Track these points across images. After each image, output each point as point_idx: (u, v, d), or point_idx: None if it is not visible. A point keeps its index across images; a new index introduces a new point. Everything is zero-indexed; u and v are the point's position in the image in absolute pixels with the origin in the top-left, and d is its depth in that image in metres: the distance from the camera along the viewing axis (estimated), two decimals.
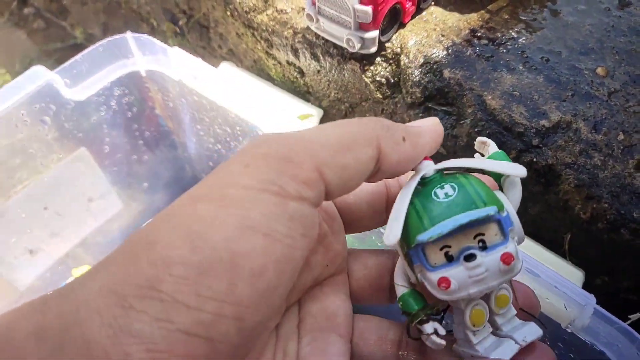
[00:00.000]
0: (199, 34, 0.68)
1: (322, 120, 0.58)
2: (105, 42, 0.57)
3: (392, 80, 0.50)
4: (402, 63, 0.49)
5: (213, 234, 0.17)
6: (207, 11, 0.64)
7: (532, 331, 0.22)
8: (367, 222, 0.26)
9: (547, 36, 0.49)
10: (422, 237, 0.21)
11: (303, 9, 0.53)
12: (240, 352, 0.18)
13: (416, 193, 0.22)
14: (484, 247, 0.21)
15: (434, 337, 0.22)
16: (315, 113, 0.58)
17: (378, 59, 0.50)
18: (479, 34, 0.49)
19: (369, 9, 0.44)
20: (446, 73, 0.47)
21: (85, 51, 0.56)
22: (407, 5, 0.48)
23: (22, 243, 0.62)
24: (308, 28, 0.51)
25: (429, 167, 0.23)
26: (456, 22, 0.50)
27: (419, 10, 0.51)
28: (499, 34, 0.49)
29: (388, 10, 0.46)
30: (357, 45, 0.47)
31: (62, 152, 0.60)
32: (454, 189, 0.22)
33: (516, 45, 0.48)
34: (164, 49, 0.56)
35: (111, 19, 0.88)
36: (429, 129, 0.23)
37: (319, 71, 0.54)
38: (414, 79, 0.48)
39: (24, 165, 0.58)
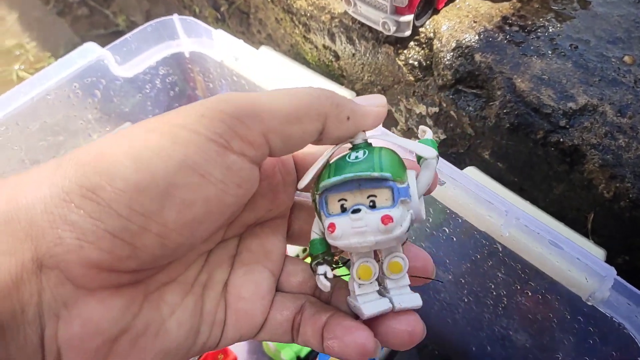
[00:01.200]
0: (239, 20, 0.72)
1: None
2: (153, 23, 0.60)
3: (425, 64, 0.52)
4: (434, 47, 0.51)
5: (157, 162, 0.20)
6: None
7: (412, 300, 0.25)
8: None
9: (577, 25, 0.51)
10: (322, 184, 0.24)
11: None
12: (160, 262, 0.22)
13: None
14: (372, 207, 0.24)
15: (322, 278, 0.25)
16: (349, 96, 0.60)
17: (411, 42, 0.52)
18: (510, 21, 0.51)
19: None
20: (477, 57, 0.49)
21: (135, 30, 0.60)
22: None
23: None
24: (345, 12, 0.54)
25: (360, 137, 0.26)
26: (488, 10, 0.52)
27: None
28: (529, 22, 0.51)
29: None
30: (393, 28, 0.49)
31: (109, 125, 0.64)
32: (364, 154, 0.25)
33: (546, 33, 0.50)
34: (208, 31, 0.59)
35: (154, 6, 0.92)
36: (373, 111, 0.26)
37: (353, 55, 0.57)
38: (446, 62, 0.50)
39: (73, 135, 0.62)
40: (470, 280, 0.54)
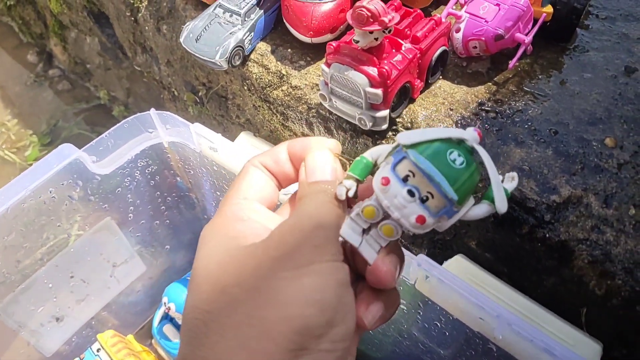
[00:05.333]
0: (217, 104, 0.71)
1: None
2: (130, 119, 0.60)
3: None
4: None
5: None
6: (225, 84, 0.66)
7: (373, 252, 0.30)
8: None
9: (554, 107, 0.51)
10: (416, 151, 0.27)
11: (316, 85, 0.56)
12: None
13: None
14: (422, 200, 0.27)
15: (343, 188, 0.29)
16: None
17: (389, 133, 0.52)
18: (486, 107, 0.51)
19: (379, 91, 0.46)
20: None
21: (112, 129, 0.59)
22: (415, 83, 0.50)
23: (48, 311, 0.64)
24: (321, 104, 0.53)
25: (473, 137, 0.28)
26: (464, 95, 0.52)
27: (427, 85, 0.53)
28: (506, 107, 0.51)
29: (398, 89, 0.48)
30: (369, 124, 0.49)
31: (88, 223, 0.63)
32: (461, 163, 0.27)
33: (524, 118, 0.50)
34: (185, 125, 0.58)
35: (134, 85, 0.92)
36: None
37: None
38: None
39: (52, 237, 0.60)
40: None
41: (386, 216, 0.28)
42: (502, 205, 0.28)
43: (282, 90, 0.58)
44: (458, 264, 0.51)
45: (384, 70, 0.45)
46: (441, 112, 0.51)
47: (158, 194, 0.70)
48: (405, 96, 0.51)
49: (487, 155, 0.28)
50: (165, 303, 0.70)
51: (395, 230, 0.28)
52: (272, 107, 0.60)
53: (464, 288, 0.42)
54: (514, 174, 0.30)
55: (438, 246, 0.54)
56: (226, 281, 0.26)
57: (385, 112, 0.48)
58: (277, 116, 0.60)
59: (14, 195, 0.54)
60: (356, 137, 0.53)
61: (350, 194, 0.29)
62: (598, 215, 0.43)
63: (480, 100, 0.51)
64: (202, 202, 0.74)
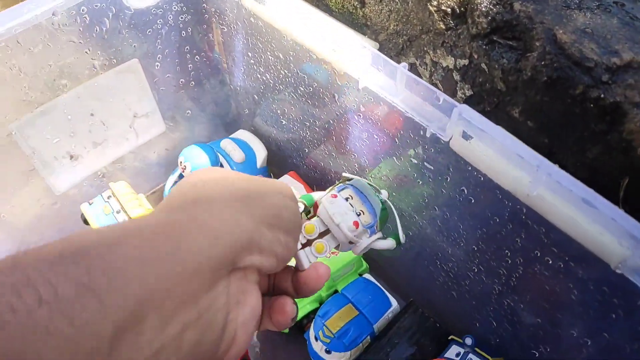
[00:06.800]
0: None
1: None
2: None
3: (458, 11, 0.49)
4: None
5: None
6: None
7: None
8: None
9: None
10: (349, 182, 0.43)
11: None
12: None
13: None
14: (357, 214, 0.40)
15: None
16: (372, 46, 0.57)
17: None
18: None
19: None
20: (517, 5, 0.45)
21: None
22: None
23: (64, 145, 0.63)
24: None
25: (385, 195, 0.44)
26: None
27: None
28: None
29: None
30: None
31: (115, 58, 0.61)
32: (381, 199, 0.42)
33: None
34: None
35: None
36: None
37: (381, 0, 0.54)
38: (482, 9, 0.46)
39: (77, 64, 0.58)
40: (484, 247, 0.51)
41: (320, 235, 0.39)
42: (402, 238, 0.44)
43: None
44: None
45: None
46: None
47: (188, 49, 0.67)
48: None
49: (392, 207, 0.44)
50: (181, 162, 0.69)
51: (325, 247, 0.39)
52: None
53: (502, 137, 0.40)
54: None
55: None
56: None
57: None
58: None
59: (44, 3, 0.52)
60: None
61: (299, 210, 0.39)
62: None
63: None
64: (231, 67, 0.72)
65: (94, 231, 0.22)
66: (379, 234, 0.42)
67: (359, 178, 0.43)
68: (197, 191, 0.27)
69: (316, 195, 0.42)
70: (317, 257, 0.38)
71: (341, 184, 0.42)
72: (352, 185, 0.42)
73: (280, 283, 0.34)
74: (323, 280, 0.34)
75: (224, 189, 0.28)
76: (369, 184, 0.42)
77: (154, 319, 0.20)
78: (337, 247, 0.41)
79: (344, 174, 0.43)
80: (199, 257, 0.23)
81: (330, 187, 0.43)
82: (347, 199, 0.41)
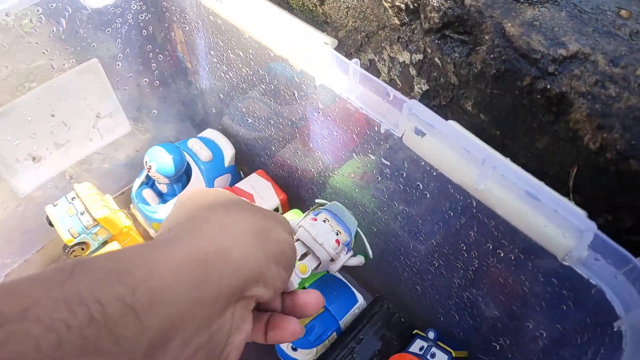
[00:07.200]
0: None
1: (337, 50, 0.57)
2: None
3: (412, 6, 0.49)
4: None
5: None
6: None
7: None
8: None
9: None
10: (325, 207, 0.52)
11: None
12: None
13: None
14: (336, 234, 0.47)
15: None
16: (331, 43, 0.57)
17: None
18: None
19: None
20: (467, 0, 0.46)
21: None
22: None
23: (25, 147, 0.62)
24: None
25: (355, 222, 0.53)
26: None
27: None
28: None
29: None
30: None
31: (74, 59, 0.60)
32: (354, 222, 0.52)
33: None
34: None
35: None
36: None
37: None
38: (434, 4, 0.47)
39: (35, 65, 0.58)
40: (442, 241, 0.51)
41: (302, 257, 0.45)
42: (370, 253, 0.52)
43: None
44: None
45: None
46: None
47: (150, 48, 0.67)
48: None
49: (359, 230, 0.52)
50: (146, 162, 0.69)
51: (308, 268, 0.44)
52: None
53: (451, 133, 0.41)
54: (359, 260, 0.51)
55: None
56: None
57: None
58: None
59: None
60: None
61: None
62: (603, 72, 0.41)
63: None
64: (195, 67, 0.72)
65: (136, 252, 0.24)
66: (352, 252, 0.48)
67: (333, 202, 0.50)
68: (221, 220, 0.30)
69: (291, 222, 0.46)
70: (300, 278, 0.45)
71: (316, 209, 0.49)
72: (325, 209, 0.49)
73: (267, 303, 0.36)
74: (320, 306, 0.37)
75: (243, 220, 0.31)
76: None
77: (178, 340, 0.23)
78: (317, 267, 0.46)
79: (317, 200, 0.50)
80: (221, 285, 0.26)
81: (306, 213, 0.50)
82: (324, 221, 0.47)
